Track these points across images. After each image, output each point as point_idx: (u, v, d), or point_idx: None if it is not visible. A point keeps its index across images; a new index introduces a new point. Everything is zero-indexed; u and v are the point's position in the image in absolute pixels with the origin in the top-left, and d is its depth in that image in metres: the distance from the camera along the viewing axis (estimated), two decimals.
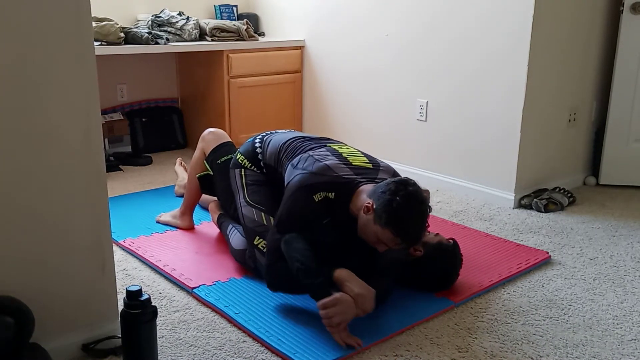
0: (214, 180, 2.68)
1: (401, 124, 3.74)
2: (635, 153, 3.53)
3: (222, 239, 2.68)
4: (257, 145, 2.50)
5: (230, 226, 2.53)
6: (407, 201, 1.95)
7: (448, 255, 2.24)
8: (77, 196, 1.74)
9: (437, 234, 2.31)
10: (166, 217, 2.90)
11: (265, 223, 2.30)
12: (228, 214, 2.64)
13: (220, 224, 2.66)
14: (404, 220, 1.95)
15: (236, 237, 2.45)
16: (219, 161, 2.64)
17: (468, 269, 2.42)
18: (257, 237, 2.28)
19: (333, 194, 2.11)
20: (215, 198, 2.83)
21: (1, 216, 1.62)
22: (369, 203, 2.01)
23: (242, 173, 2.47)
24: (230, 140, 2.74)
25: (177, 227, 2.84)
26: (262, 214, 2.32)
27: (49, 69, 1.63)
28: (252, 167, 2.47)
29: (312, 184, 2.11)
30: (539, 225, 2.99)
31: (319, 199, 2.10)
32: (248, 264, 2.34)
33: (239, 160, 2.51)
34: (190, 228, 2.82)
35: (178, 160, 3.40)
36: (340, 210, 2.13)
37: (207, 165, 2.69)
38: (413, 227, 1.98)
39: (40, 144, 1.65)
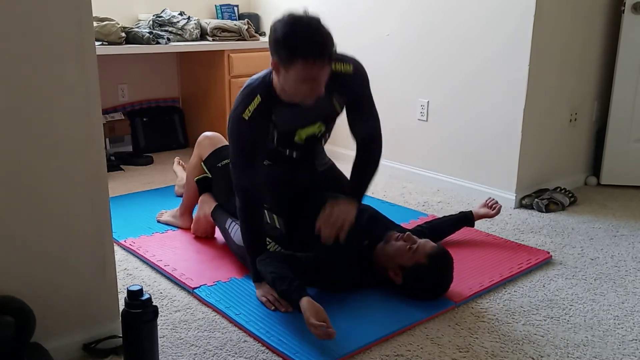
0: (213, 183, 2.67)
1: (402, 123, 3.73)
2: (636, 153, 3.53)
3: (223, 239, 2.68)
4: None
5: (230, 220, 2.51)
6: (287, 23, 1.94)
7: (431, 272, 2.14)
8: (78, 196, 1.74)
9: (416, 250, 2.13)
10: (166, 217, 2.90)
11: (269, 221, 2.32)
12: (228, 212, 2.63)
13: (216, 217, 2.63)
14: (291, 33, 1.92)
15: (238, 232, 2.44)
16: (219, 165, 2.62)
17: (469, 269, 2.42)
18: None
19: (258, 96, 2.09)
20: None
21: (2, 216, 1.62)
22: (273, 64, 2.00)
23: None
24: (227, 143, 2.72)
25: (177, 227, 2.84)
26: (266, 211, 2.33)
27: (49, 69, 1.63)
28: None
29: (236, 108, 2.13)
30: (540, 225, 2.99)
31: (249, 115, 2.09)
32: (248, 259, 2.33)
33: None
34: (190, 227, 2.83)
35: (176, 160, 3.39)
36: (276, 103, 2.11)
37: (205, 168, 2.68)
38: (309, 32, 1.93)
39: (41, 143, 1.65)
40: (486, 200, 2.73)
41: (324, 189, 2.44)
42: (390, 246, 2.19)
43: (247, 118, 2.09)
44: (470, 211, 2.69)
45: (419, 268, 2.12)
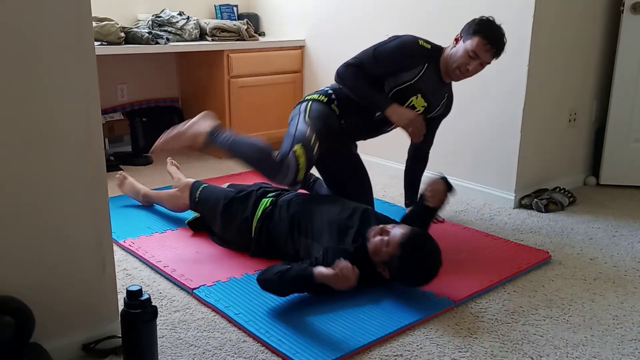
0: (203, 214, 2.74)
1: None
2: (635, 153, 3.53)
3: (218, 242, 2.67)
4: (330, 91, 2.74)
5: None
6: (487, 17, 2.64)
7: (408, 261, 2.10)
8: (77, 196, 1.74)
9: (389, 243, 2.12)
10: (127, 189, 3.12)
11: (312, 144, 2.49)
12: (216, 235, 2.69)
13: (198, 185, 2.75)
14: (488, 26, 2.60)
15: (253, 139, 2.59)
16: (198, 192, 2.72)
17: (468, 269, 2.42)
18: (300, 145, 2.46)
19: (430, 46, 2.67)
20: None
21: (2, 216, 1.62)
22: (456, 38, 2.64)
23: (308, 106, 2.68)
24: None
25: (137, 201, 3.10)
26: (314, 134, 2.51)
27: (49, 69, 1.63)
28: (320, 97, 2.70)
29: (413, 37, 2.67)
30: (540, 225, 2.99)
31: (422, 44, 2.65)
32: (272, 158, 2.46)
33: (307, 98, 2.72)
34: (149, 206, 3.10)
35: (168, 160, 3.34)
36: (432, 61, 2.66)
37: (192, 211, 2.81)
38: (495, 28, 2.59)
39: (40, 143, 1.65)
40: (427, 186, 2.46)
41: (353, 161, 2.88)
42: (370, 244, 2.19)
43: (418, 44, 2.63)
44: (422, 195, 2.47)
45: (395, 260, 2.11)
